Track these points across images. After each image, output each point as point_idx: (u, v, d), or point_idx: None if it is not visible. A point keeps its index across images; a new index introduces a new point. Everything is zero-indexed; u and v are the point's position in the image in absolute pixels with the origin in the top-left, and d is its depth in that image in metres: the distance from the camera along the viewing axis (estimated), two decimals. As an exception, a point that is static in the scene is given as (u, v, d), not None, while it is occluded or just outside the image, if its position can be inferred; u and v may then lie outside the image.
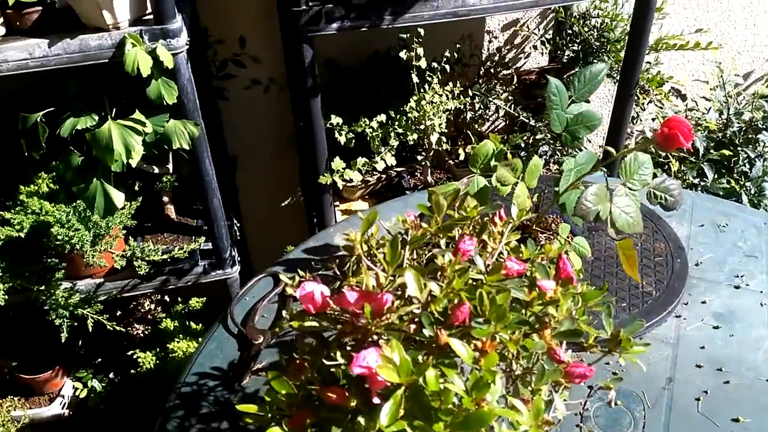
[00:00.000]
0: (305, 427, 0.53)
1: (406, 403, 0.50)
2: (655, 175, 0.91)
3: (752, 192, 1.74)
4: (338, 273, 0.69)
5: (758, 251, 1.16)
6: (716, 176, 1.78)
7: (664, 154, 1.86)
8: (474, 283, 0.58)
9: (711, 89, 1.95)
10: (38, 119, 1.24)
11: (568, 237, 0.90)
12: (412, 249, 0.64)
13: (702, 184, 1.80)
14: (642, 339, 0.97)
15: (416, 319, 0.56)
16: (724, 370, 0.95)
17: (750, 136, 1.83)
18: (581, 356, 0.68)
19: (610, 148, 0.83)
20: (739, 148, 1.81)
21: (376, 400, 0.50)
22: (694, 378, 0.94)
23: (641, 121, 1.94)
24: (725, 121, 1.88)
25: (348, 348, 0.56)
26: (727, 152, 1.78)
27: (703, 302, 1.06)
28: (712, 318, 1.03)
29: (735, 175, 1.79)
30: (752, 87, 2.25)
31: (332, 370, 0.59)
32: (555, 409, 0.56)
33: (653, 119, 1.94)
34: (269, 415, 0.57)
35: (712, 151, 1.79)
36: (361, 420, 0.50)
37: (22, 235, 1.36)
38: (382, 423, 0.48)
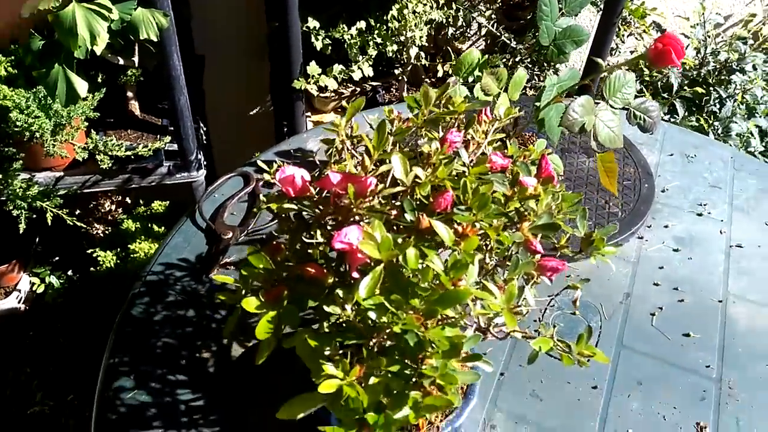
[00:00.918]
0: (281, 300, 0.53)
1: (385, 280, 0.50)
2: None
3: (719, 132, 1.78)
4: (319, 165, 0.67)
5: (722, 183, 1.19)
6: (686, 113, 1.81)
7: (638, 87, 1.87)
8: (457, 174, 0.58)
9: (691, 27, 1.94)
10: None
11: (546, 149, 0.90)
12: (397, 141, 0.63)
13: (672, 120, 1.82)
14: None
15: (398, 204, 0.56)
16: (679, 289, 0.99)
17: (723, 76, 1.85)
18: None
19: (598, 59, 0.83)
20: (711, 88, 1.83)
21: (355, 275, 0.51)
22: (651, 295, 0.98)
23: (620, 52, 1.93)
24: (701, 59, 1.89)
25: (329, 228, 0.56)
26: (699, 90, 1.79)
27: (666, 226, 1.09)
28: (672, 241, 1.07)
29: (705, 114, 1.81)
30: (730, 30, 2.25)
31: (309, 251, 0.58)
32: (524, 301, 0.58)
33: (631, 52, 1.94)
34: (244, 291, 0.57)
35: (685, 88, 1.80)
36: (340, 292, 0.50)
37: (-22, 118, 1.29)
38: (361, 295, 0.48)
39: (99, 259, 1.72)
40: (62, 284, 1.81)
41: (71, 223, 1.52)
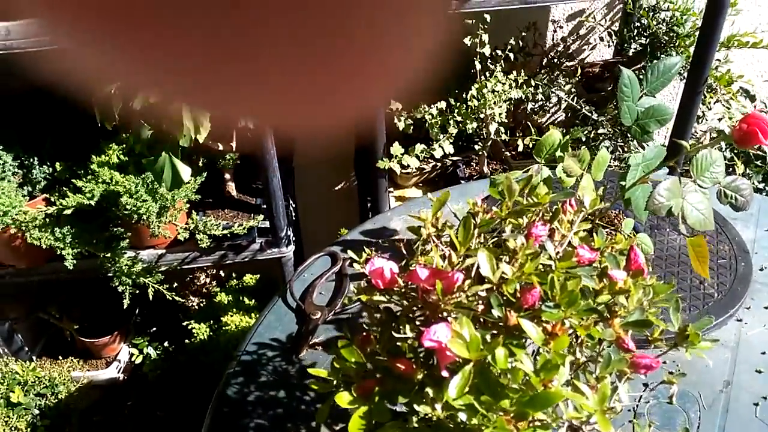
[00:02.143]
0: (373, 395, 0.55)
1: (474, 379, 0.51)
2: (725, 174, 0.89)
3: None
4: (405, 252, 0.70)
5: (828, 258, 1.12)
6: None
7: (729, 156, 1.81)
8: (544, 269, 0.59)
9: (783, 90, 1.88)
10: (111, 90, 1.29)
11: (630, 233, 0.89)
12: (480, 232, 0.65)
13: (767, 189, 1.74)
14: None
15: (484, 301, 0.57)
16: (785, 376, 0.93)
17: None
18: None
19: (682, 141, 0.82)
20: (810, 153, 1.74)
21: (444, 374, 0.52)
22: (753, 383, 0.92)
23: (707, 120, 1.88)
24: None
25: (417, 323, 0.58)
26: (798, 157, 1.71)
27: (767, 308, 1.04)
28: (775, 323, 1.01)
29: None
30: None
31: (398, 344, 0.60)
32: (618, 398, 0.57)
33: (719, 119, 1.89)
34: (335, 382, 0.59)
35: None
36: (430, 391, 0.52)
37: (93, 203, 1.42)
38: (451, 395, 0.49)
39: (194, 331, 1.81)
40: (159, 355, 1.90)
41: (170, 298, 1.62)
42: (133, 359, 1.92)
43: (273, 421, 0.92)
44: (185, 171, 1.38)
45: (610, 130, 1.67)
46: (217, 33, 0.15)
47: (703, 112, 1.85)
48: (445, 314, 0.56)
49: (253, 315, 1.85)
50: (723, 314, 1.01)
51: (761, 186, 1.76)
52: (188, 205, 1.53)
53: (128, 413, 1.82)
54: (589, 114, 1.67)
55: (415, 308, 0.60)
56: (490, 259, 0.54)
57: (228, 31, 0.15)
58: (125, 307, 1.56)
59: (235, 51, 0.16)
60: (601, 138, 1.68)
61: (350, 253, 0.71)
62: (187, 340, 1.82)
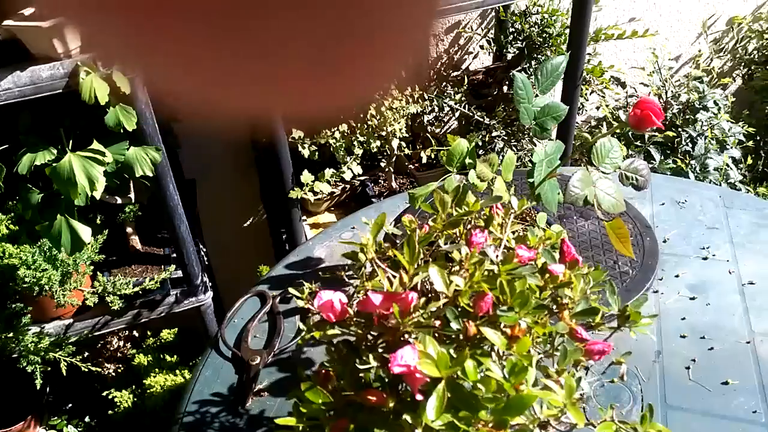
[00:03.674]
0: (348, 433, 0.54)
1: (448, 396, 0.51)
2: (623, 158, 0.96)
3: (697, 169, 1.84)
4: (346, 279, 0.69)
5: (718, 223, 1.23)
6: (662, 158, 1.87)
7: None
8: (489, 274, 0.60)
9: (648, 75, 2.05)
10: (-8, 159, 1.19)
11: (561, 231, 0.93)
12: (421, 248, 0.65)
13: (650, 166, 1.89)
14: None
15: (440, 315, 0.58)
16: (706, 337, 1.00)
17: (688, 116, 1.93)
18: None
19: (586, 134, 0.87)
20: (680, 129, 1.91)
21: (419, 397, 0.52)
22: (681, 348, 0.99)
23: (585, 110, 2.02)
24: (664, 104, 1.98)
25: (380, 350, 0.57)
26: (670, 134, 1.87)
27: (677, 276, 1.12)
28: (687, 290, 1.09)
29: (679, 155, 1.89)
30: (682, 69, 2.38)
31: (361, 375, 0.59)
32: (580, 387, 0.59)
33: (597, 108, 2.03)
34: (306, 427, 0.57)
35: (656, 133, 1.88)
36: (408, 418, 0.51)
37: (-16, 281, 1.30)
38: (429, 418, 0.49)
39: (115, 400, 1.69)
40: (80, 432, 1.76)
41: (86, 369, 1.50)
42: (52, 443, 1.76)
43: (229, 479, 0.87)
44: (85, 231, 1.30)
45: (502, 131, 1.74)
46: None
47: (581, 103, 1.98)
48: (406, 336, 0.56)
49: (177, 372, 1.75)
50: (641, 289, 1.08)
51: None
52: (92, 267, 1.44)
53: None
54: (481, 119, 1.74)
55: (371, 335, 0.59)
56: (442, 274, 0.55)
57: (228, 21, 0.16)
58: (38, 387, 1.43)
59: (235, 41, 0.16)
60: (495, 140, 1.75)
61: (293, 292, 0.69)
62: (110, 411, 1.70)
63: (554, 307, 0.60)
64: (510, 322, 0.54)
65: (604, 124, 1.95)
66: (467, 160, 1.03)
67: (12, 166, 1.19)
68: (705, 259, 1.15)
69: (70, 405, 1.86)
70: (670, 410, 0.90)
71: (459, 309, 0.57)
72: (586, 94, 1.96)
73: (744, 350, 0.97)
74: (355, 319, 0.61)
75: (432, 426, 0.50)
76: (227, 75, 0.17)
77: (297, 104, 0.20)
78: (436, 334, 0.58)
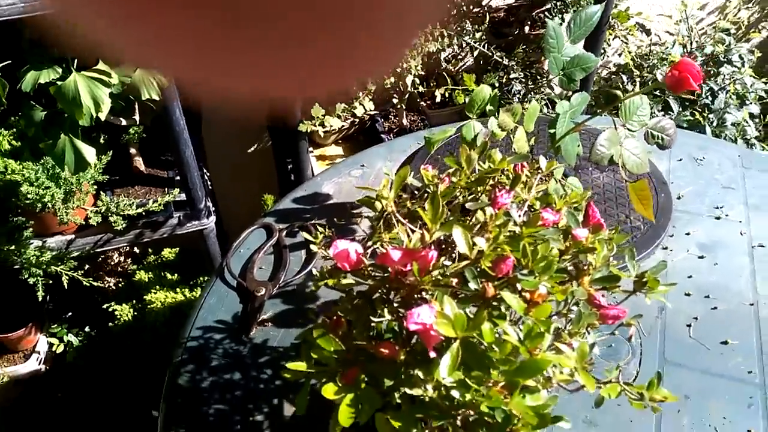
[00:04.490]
0: (358, 382, 0.54)
1: (462, 355, 0.51)
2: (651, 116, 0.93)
3: (714, 124, 1.81)
4: (365, 231, 0.68)
5: (734, 183, 1.21)
6: (681, 109, 1.83)
7: (631, 89, 1.89)
8: (512, 235, 0.59)
9: (675, 23, 1.97)
10: (-6, 70, 1.15)
11: (586, 192, 0.91)
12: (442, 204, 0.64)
13: (668, 117, 1.84)
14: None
15: (458, 274, 0.57)
16: (711, 296, 1.00)
17: (711, 69, 1.88)
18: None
19: (617, 92, 0.84)
20: (702, 81, 1.85)
21: (432, 354, 0.51)
22: (684, 306, 0.99)
23: (607, 56, 1.95)
24: (688, 54, 1.92)
25: (395, 304, 0.56)
26: (691, 85, 1.82)
27: (688, 234, 1.11)
28: (696, 248, 1.08)
29: (698, 107, 1.84)
30: (707, 18, 2.29)
31: (373, 325, 0.59)
32: (592, 350, 0.59)
33: (619, 54, 1.96)
34: (312, 371, 0.57)
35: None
36: (419, 373, 0.51)
37: (-13, 195, 1.29)
38: (442, 376, 0.49)
39: (116, 313, 1.72)
40: (81, 341, 1.80)
41: (88, 284, 1.52)
42: (54, 349, 1.80)
43: (232, 404, 0.89)
44: (89, 152, 1.27)
45: (520, 73, 1.69)
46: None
47: (603, 48, 1.91)
48: (423, 293, 0.55)
49: (177, 290, 1.77)
50: (651, 245, 1.07)
51: (661, 115, 1.86)
52: (95, 187, 1.42)
53: (57, 405, 1.72)
54: (500, 60, 1.69)
55: (386, 288, 0.59)
56: (466, 236, 0.53)
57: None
58: (40, 299, 1.45)
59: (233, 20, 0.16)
60: (513, 82, 1.70)
61: (303, 235, 0.68)
62: (110, 323, 1.72)
63: (574, 271, 0.59)
64: (530, 287, 0.53)
65: (625, 72, 1.89)
66: (488, 107, 1.00)
67: (15, 82, 1.15)
68: (718, 218, 1.14)
69: (69, 314, 1.89)
70: (668, 366, 0.91)
71: (478, 269, 0.56)
72: (608, 40, 1.89)
73: (747, 312, 0.98)
74: (370, 270, 0.60)
75: (443, 383, 0.50)
76: (243, 64, 0.18)
77: (313, 87, 0.20)
78: (456, 293, 0.57)
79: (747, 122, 1.81)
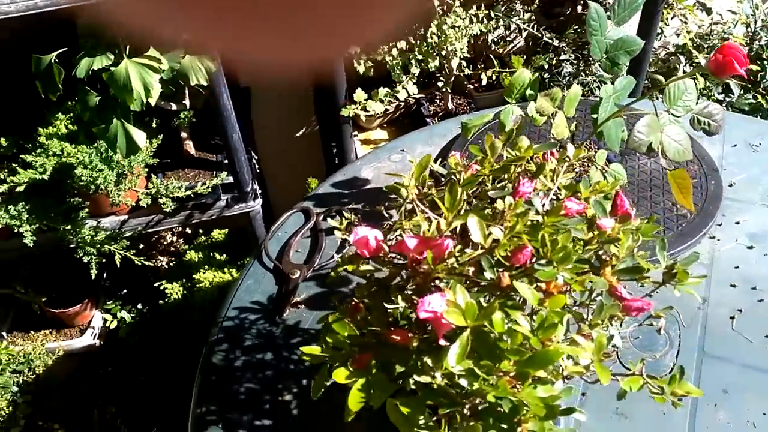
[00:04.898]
0: (370, 367, 0.54)
1: (472, 344, 0.50)
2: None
3: (778, 108, 1.71)
4: (386, 214, 0.68)
5: (793, 171, 1.15)
6: (742, 92, 1.74)
7: (689, 70, 1.81)
8: (532, 224, 0.58)
9: (738, 2, 1.87)
10: (52, 60, 1.20)
11: (620, 181, 0.88)
12: (465, 191, 0.63)
13: (728, 100, 1.76)
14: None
15: (475, 263, 0.56)
16: (757, 288, 0.96)
17: (778, 49, 1.77)
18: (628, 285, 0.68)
19: (659, 77, 0.81)
20: (765, 62, 1.75)
21: (442, 342, 0.51)
22: (728, 297, 0.95)
23: (665, 36, 1.87)
24: (752, 34, 1.81)
25: (409, 292, 0.56)
26: (754, 67, 1.72)
27: (737, 223, 1.06)
28: (746, 238, 1.03)
29: (761, 90, 1.74)
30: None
31: (389, 311, 0.59)
32: (613, 342, 0.57)
33: (677, 34, 1.88)
34: (328, 355, 0.58)
35: (739, 66, 1.73)
36: (428, 360, 0.51)
37: (46, 177, 1.35)
38: (450, 364, 0.49)
39: (166, 291, 1.78)
40: (133, 318, 1.88)
41: (139, 263, 1.58)
42: (107, 325, 1.89)
43: (263, 384, 0.91)
44: (140, 136, 1.32)
45: (571, 55, 1.64)
46: None
47: (661, 28, 1.83)
48: (437, 281, 0.55)
49: (225, 270, 1.82)
50: (697, 234, 1.03)
51: (721, 97, 1.77)
52: (146, 170, 1.47)
53: (109, 379, 1.80)
54: (550, 41, 1.64)
55: (403, 275, 0.59)
56: (481, 225, 0.53)
57: None
58: (93, 276, 1.52)
59: None
60: (563, 64, 1.65)
61: (330, 222, 0.69)
62: (161, 301, 1.79)
63: (597, 262, 0.57)
64: (546, 277, 0.52)
65: (683, 53, 1.80)
66: (528, 92, 0.98)
67: (70, 69, 1.20)
68: (771, 209, 1.08)
69: (124, 291, 1.97)
70: (707, 359, 0.88)
71: (495, 258, 0.55)
72: (666, 19, 1.81)
73: (795, 306, 0.93)
74: (389, 257, 0.60)
75: (452, 371, 0.49)
76: (276, 33, 0.20)
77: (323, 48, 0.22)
78: (468, 280, 0.57)
79: (815, 106, 1.70)
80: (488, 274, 0.54)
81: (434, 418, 0.52)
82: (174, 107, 1.46)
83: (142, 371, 1.78)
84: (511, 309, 0.51)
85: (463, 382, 0.50)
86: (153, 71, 1.23)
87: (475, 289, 0.55)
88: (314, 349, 0.57)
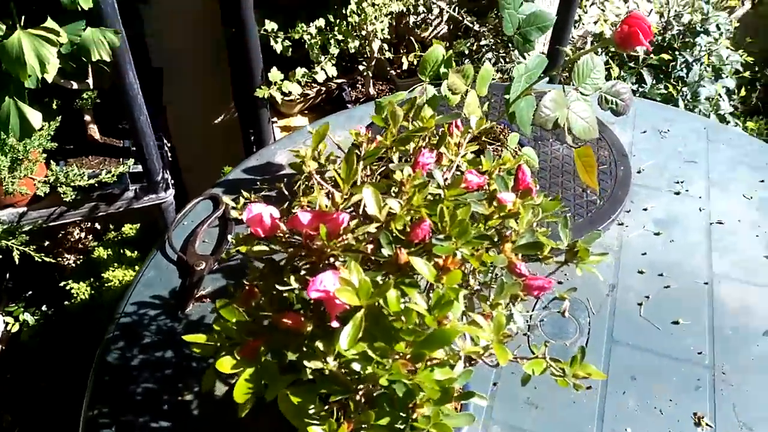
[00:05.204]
0: (258, 355, 0.50)
1: (366, 325, 0.47)
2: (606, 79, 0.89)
3: (688, 97, 1.77)
4: (287, 193, 0.64)
5: (698, 157, 1.18)
6: (654, 81, 1.79)
7: (604, 59, 1.85)
8: (433, 199, 0.55)
9: (652, -8, 1.92)
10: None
11: (523, 156, 0.87)
12: (366, 164, 0.60)
13: (641, 90, 1.81)
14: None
15: (373, 239, 0.53)
16: (664, 275, 0.97)
17: (688, 39, 1.83)
18: (533, 268, 0.67)
19: (565, 49, 0.80)
20: (677, 52, 1.81)
21: (334, 324, 0.48)
22: (637, 284, 0.96)
23: (583, 24, 1.91)
24: (665, 24, 1.87)
25: (302, 272, 0.53)
26: (666, 56, 1.78)
27: (645, 209, 1.08)
28: (653, 224, 1.05)
29: (672, 80, 1.80)
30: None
31: (285, 295, 0.55)
32: (513, 321, 0.55)
33: (595, 22, 1.91)
34: (218, 344, 0.54)
35: (651, 55, 1.79)
36: (320, 344, 0.47)
37: (-73, 162, 1.23)
38: (342, 347, 0.45)
39: (72, 291, 1.67)
40: (37, 321, 1.75)
41: (39, 260, 1.47)
42: (9, 328, 1.76)
43: (162, 383, 0.85)
44: (35, 116, 1.21)
45: (492, 41, 1.64)
46: None
47: (579, 16, 1.87)
48: (332, 259, 0.52)
49: (137, 268, 1.73)
50: (606, 220, 1.04)
51: (635, 87, 1.82)
52: (45, 155, 1.37)
53: (8, 386, 1.68)
54: (471, 25, 1.64)
55: (301, 256, 0.55)
56: (376, 195, 0.50)
57: None
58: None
59: None
60: (483, 50, 1.65)
61: (225, 200, 0.64)
62: (66, 302, 1.68)
63: (497, 238, 0.55)
64: (444, 252, 0.49)
65: (602, 40, 1.84)
66: (442, 70, 0.95)
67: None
68: (677, 194, 1.11)
69: (30, 293, 1.84)
70: (615, 345, 0.88)
71: (394, 235, 0.52)
72: (585, 6, 1.84)
73: (700, 291, 0.95)
74: (286, 237, 0.56)
75: (345, 355, 0.46)
76: None
77: None
78: (371, 259, 0.54)
79: (721, 96, 1.77)
80: (386, 251, 0.51)
81: (326, 407, 0.48)
82: (75, 86, 1.36)
83: (44, 377, 1.67)
84: (408, 287, 0.48)
85: (356, 366, 0.47)
86: (50, 44, 1.13)
87: (372, 267, 0.52)
88: (199, 337, 0.52)
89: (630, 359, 0.86)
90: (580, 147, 0.76)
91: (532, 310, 0.91)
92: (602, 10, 1.87)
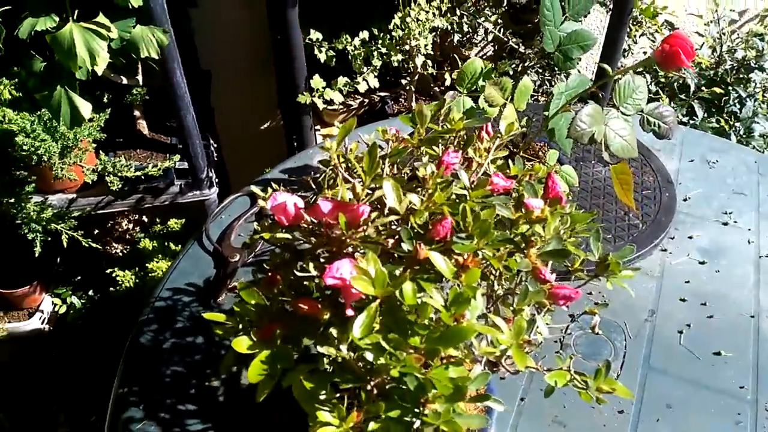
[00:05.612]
0: (275, 338, 0.51)
1: (381, 317, 0.47)
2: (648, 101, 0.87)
3: (741, 133, 1.72)
4: (314, 186, 0.65)
5: (747, 189, 1.14)
6: (706, 115, 1.75)
7: (654, 89, 1.82)
8: (457, 198, 0.55)
9: (705, 24, 1.88)
10: (-6, 17, 1.15)
11: (555, 165, 0.86)
12: (392, 162, 0.60)
13: (691, 122, 1.76)
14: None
15: (395, 234, 0.53)
16: (708, 304, 0.94)
17: (742, 75, 1.79)
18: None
19: (605, 66, 0.79)
20: (730, 87, 1.77)
21: (349, 312, 0.48)
22: (678, 311, 0.93)
23: (632, 54, 1.88)
24: (717, 58, 1.83)
25: (322, 260, 0.53)
26: (718, 90, 1.74)
27: (690, 237, 1.05)
28: (698, 253, 1.02)
29: (725, 114, 1.76)
30: (746, 26, 2.18)
31: (305, 283, 0.56)
32: (537, 330, 0.54)
33: (644, 53, 1.89)
34: (238, 325, 0.54)
35: (703, 88, 1.75)
36: (333, 332, 0.48)
37: (-14, 144, 1.29)
38: (355, 335, 0.45)
39: (118, 278, 1.72)
40: (83, 304, 1.81)
41: (87, 245, 1.52)
42: (57, 309, 1.81)
43: (190, 367, 0.87)
44: (85, 107, 1.26)
45: (537, 62, 1.63)
46: None
47: (629, 45, 1.84)
48: (351, 249, 0.52)
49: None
50: (648, 245, 1.01)
51: (685, 120, 1.78)
52: (95, 145, 1.42)
53: (52, 364, 1.73)
54: (516, 47, 1.63)
55: (320, 246, 0.55)
56: (396, 189, 0.50)
57: None
58: (41, 254, 1.45)
59: None
60: (529, 71, 1.65)
61: (255, 190, 0.65)
62: (111, 288, 1.73)
63: (523, 244, 0.55)
64: (464, 250, 0.49)
65: (649, 72, 1.81)
66: (480, 83, 0.95)
67: (15, 29, 1.15)
68: (725, 224, 1.07)
69: (78, 278, 1.90)
70: (651, 371, 0.85)
71: (415, 230, 0.52)
72: (635, 36, 1.82)
73: (745, 324, 0.91)
74: (310, 227, 0.57)
75: (358, 344, 0.46)
76: None
77: None
78: (392, 255, 0.54)
79: (776, 133, 1.72)
80: (406, 246, 0.51)
81: (337, 395, 0.48)
82: (125, 81, 1.41)
83: (85, 357, 1.72)
84: (425, 282, 0.48)
85: (369, 356, 0.46)
86: (100, 38, 1.18)
87: (392, 262, 0.52)
88: (218, 316, 0.53)
89: (666, 387, 0.83)
90: (617, 164, 0.75)
91: (566, 330, 0.89)
92: (652, 41, 1.84)
